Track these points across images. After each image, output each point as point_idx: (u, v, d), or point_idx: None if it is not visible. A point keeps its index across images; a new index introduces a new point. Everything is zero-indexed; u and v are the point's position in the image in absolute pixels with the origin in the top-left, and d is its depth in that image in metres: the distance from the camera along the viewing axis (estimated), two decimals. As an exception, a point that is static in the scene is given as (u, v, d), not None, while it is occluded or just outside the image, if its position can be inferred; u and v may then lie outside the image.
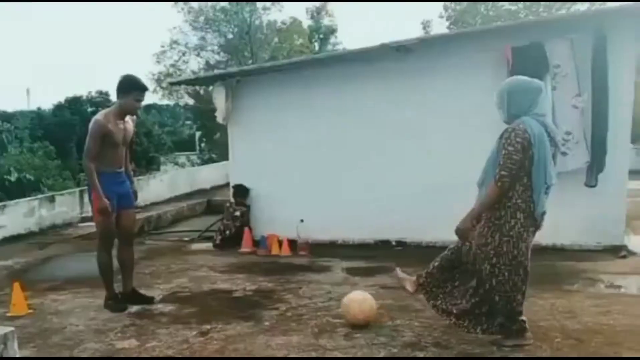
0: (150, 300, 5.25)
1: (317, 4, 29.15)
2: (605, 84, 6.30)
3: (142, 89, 4.98)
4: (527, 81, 3.66)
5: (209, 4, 24.79)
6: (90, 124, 4.85)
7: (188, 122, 37.85)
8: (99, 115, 4.91)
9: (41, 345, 4.28)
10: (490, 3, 23.80)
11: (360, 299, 4.41)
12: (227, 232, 8.23)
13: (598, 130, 6.38)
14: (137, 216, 5.90)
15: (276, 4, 25.24)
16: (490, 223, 3.59)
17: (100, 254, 5.04)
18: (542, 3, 21.95)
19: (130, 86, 4.90)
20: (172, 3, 25.06)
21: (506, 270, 3.61)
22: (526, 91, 3.61)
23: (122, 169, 5.08)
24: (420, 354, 3.74)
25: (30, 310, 5.15)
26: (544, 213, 3.61)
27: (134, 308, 5.06)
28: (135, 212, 5.38)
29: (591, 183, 6.48)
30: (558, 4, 21.57)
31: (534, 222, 3.59)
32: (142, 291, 5.36)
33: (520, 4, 22.86)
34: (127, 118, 5.05)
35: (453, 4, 24.95)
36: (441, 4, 25.49)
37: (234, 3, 24.50)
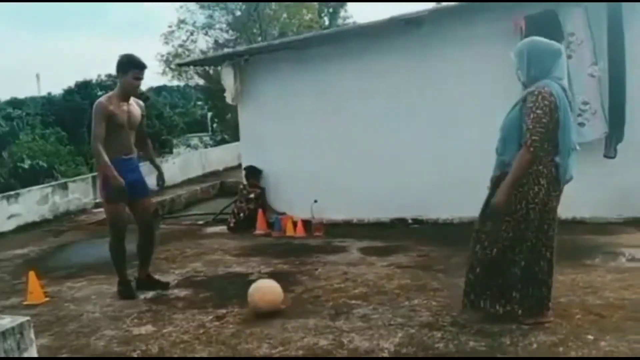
0: (165, 285, 5.21)
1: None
2: (622, 52, 6.14)
3: (140, 66, 4.84)
4: (548, 42, 3.55)
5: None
6: (93, 108, 4.76)
7: (200, 103, 37.79)
8: (102, 98, 4.84)
9: (58, 333, 4.28)
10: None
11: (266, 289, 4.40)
12: (241, 214, 8.20)
13: (616, 99, 6.22)
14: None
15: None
16: (515, 191, 3.46)
17: (112, 241, 4.99)
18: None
19: (128, 64, 4.79)
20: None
21: (534, 237, 3.52)
22: (547, 52, 3.49)
23: (132, 156, 4.95)
24: (438, 334, 3.67)
25: (47, 299, 5.17)
26: (571, 178, 3.51)
27: (150, 294, 5.05)
28: (151, 200, 5.26)
29: (610, 154, 6.34)
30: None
31: (558, 186, 3.49)
32: (157, 276, 5.34)
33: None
34: (132, 101, 4.94)
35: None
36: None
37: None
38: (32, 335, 2.73)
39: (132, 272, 5.22)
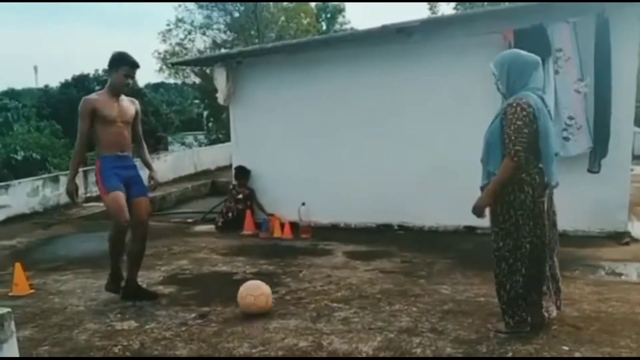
0: (154, 296, 4.93)
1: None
2: (608, 69, 6.21)
3: (132, 64, 4.76)
4: (526, 55, 3.65)
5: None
6: (80, 104, 4.70)
7: (196, 101, 37.73)
8: (89, 95, 4.80)
9: (41, 325, 4.32)
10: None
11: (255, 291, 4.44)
12: (230, 214, 8.25)
13: (601, 115, 6.30)
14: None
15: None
16: (502, 200, 3.57)
17: (112, 233, 4.75)
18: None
19: (119, 62, 4.73)
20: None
21: (527, 243, 3.60)
22: (527, 64, 3.59)
23: (127, 153, 4.84)
24: (416, 340, 3.74)
25: (32, 290, 5.22)
26: (557, 184, 3.60)
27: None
28: (148, 201, 4.97)
29: (594, 169, 6.42)
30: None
31: (543, 192, 3.57)
32: (142, 273, 5.25)
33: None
34: (124, 98, 4.86)
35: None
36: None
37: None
38: (13, 327, 2.77)
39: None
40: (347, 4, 31.42)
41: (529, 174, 3.50)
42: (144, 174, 4.99)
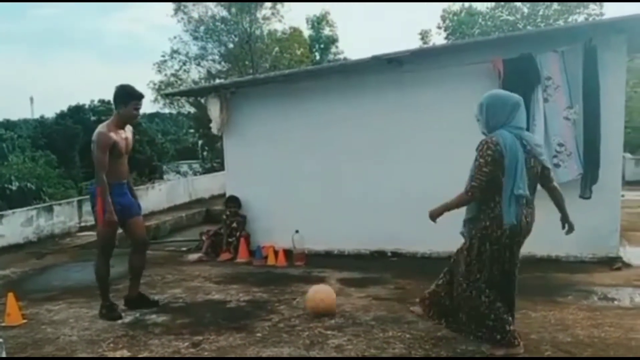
0: (155, 304, 5.41)
1: (318, 13, 29.34)
2: (596, 96, 6.32)
3: (139, 97, 5.08)
4: (506, 95, 3.76)
5: (208, 14, 24.91)
6: (95, 137, 4.93)
7: (191, 131, 37.98)
8: (102, 128, 4.98)
9: (34, 355, 4.30)
10: (488, 14, 23.91)
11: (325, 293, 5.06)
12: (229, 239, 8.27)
13: (590, 141, 6.39)
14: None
15: (277, 14, 25.36)
16: (479, 234, 3.69)
17: (99, 262, 5.12)
18: (539, 15, 22.10)
19: (128, 96, 5.01)
20: (172, 14, 25.20)
21: (499, 274, 3.71)
22: (504, 105, 3.69)
23: (126, 180, 5.18)
24: (410, 367, 3.75)
25: (25, 320, 5.18)
26: (511, 223, 3.58)
27: (127, 318, 5.09)
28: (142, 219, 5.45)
29: (585, 195, 6.48)
30: (555, 16, 21.76)
31: (519, 231, 3.64)
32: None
33: (518, 15, 22.97)
34: (126, 127, 5.16)
35: (451, 15, 25.07)
36: (439, 15, 25.66)
37: (234, 13, 24.61)
38: (4, 356, 2.79)
39: (112, 295, 5.26)
40: (340, 35, 31.80)
41: (489, 207, 3.64)
42: None
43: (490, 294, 3.72)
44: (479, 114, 3.78)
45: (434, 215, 3.93)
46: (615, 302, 5.22)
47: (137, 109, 5.09)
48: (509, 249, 3.67)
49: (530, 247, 4.00)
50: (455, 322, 3.94)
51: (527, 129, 3.91)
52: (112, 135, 4.92)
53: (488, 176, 3.55)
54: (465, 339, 4.00)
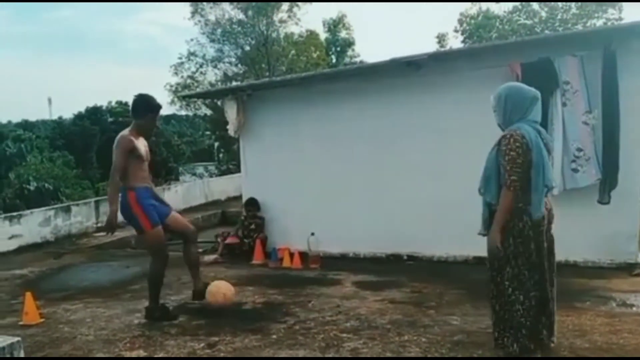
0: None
1: (334, 16, 29.39)
2: (615, 101, 6.24)
3: (157, 109, 5.22)
4: (525, 88, 3.73)
5: (225, 17, 25.07)
6: (117, 140, 5.02)
7: (207, 133, 38.21)
8: (124, 132, 5.09)
9: (51, 354, 4.35)
10: (505, 18, 23.81)
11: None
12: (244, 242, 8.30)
13: (609, 146, 6.31)
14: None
15: (293, 17, 25.46)
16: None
17: (155, 267, 5.14)
18: (557, 19, 21.95)
19: (147, 109, 5.14)
20: (189, 16, 25.39)
21: (525, 270, 3.59)
22: (524, 98, 3.66)
23: (150, 185, 5.28)
24: (426, 371, 3.73)
25: (42, 319, 5.24)
26: (541, 214, 3.55)
27: (143, 320, 5.12)
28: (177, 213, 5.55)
29: (604, 200, 6.40)
30: (573, 20, 21.61)
31: (542, 221, 3.58)
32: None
33: (536, 19, 22.83)
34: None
35: (468, 18, 25.00)
36: (456, 19, 25.60)
37: (250, 16, 24.73)
38: (22, 355, 2.82)
39: (128, 296, 5.30)
40: (356, 38, 31.87)
41: (525, 204, 3.53)
42: None
43: (512, 294, 3.60)
44: (496, 105, 3.74)
45: (498, 240, 3.57)
46: (634, 309, 5.15)
47: (156, 119, 5.25)
48: (534, 241, 3.56)
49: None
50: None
51: (545, 129, 3.85)
52: (133, 139, 5.01)
53: (523, 167, 3.48)
54: (485, 342, 3.96)
